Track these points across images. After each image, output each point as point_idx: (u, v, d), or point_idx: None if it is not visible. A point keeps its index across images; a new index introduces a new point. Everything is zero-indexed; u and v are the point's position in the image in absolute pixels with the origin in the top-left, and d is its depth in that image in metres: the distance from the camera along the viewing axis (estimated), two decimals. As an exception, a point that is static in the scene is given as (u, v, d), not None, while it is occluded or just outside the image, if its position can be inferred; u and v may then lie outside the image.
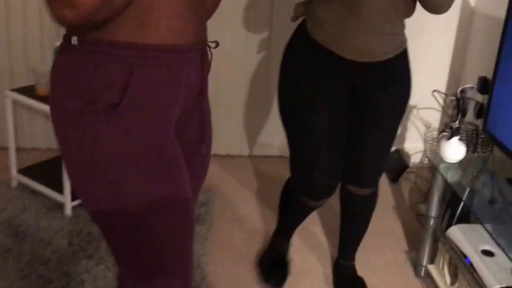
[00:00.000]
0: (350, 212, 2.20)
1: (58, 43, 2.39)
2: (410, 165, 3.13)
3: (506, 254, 1.89)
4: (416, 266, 2.40)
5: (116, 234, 1.28)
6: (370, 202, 2.17)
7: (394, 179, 3.07)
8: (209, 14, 1.36)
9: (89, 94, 1.17)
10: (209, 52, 1.33)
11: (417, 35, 2.04)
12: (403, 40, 1.92)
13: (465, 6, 2.92)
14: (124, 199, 1.21)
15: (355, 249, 2.27)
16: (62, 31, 1.22)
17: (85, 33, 1.16)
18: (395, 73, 1.93)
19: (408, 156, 3.17)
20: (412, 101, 2.10)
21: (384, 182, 3.00)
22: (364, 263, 2.37)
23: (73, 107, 1.18)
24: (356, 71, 1.86)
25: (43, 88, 2.58)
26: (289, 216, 2.29)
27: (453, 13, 2.89)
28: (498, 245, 1.93)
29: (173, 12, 1.18)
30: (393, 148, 3.15)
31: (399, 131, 3.02)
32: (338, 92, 1.90)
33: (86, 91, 1.17)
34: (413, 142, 3.17)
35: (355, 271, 2.29)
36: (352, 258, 2.29)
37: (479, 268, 1.93)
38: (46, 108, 2.44)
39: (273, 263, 2.34)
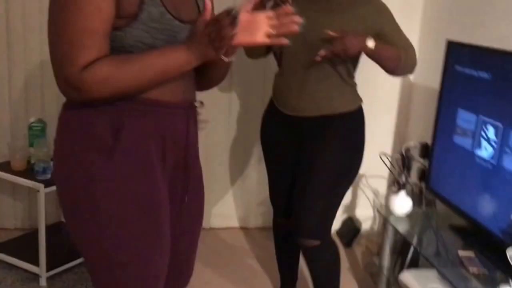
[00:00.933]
0: (309, 268, 2.41)
1: (32, 119, 2.59)
2: (362, 230, 3.35)
3: None
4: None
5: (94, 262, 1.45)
6: (319, 255, 2.34)
7: (348, 243, 3.27)
8: (210, 83, 1.65)
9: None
10: (197, 111, 1.57)
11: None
12: (340, 105, 2.26)
13: (405, 79, 3.26)
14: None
15: None
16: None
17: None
18: (331, 133, 2.26)
19: (359, 222, 3.39)
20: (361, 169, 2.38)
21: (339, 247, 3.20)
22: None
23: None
24: (298, 125, 2.29)
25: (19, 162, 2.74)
26: (282, 255, 2.60)
27: (395, 85, 3.25)
28: (445, 283, 2.14)
29: None
30: (345, 215, 3.41)
31: (349, 198, 3.29)
32: (284, 143, 2.36)
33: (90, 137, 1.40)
34: (363, 209, 3.40)
35: None
36: None
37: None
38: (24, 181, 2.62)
39: None
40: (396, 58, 2.19)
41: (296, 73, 2.24)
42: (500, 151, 2.14)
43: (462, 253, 2.14)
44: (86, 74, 1.28)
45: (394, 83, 3.20)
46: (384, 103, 3.25)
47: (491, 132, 2.20)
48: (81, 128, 1.40)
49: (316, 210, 2.26)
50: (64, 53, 1.29)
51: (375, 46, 2.12)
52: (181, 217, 1.57)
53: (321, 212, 2.27)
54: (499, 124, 2.15)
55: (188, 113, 1.51)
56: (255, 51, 2.32)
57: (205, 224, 3.36)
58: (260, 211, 3.40)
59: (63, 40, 1.29)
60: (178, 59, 1.36)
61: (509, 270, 1.90)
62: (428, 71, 2.96)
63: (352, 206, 3.39)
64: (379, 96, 3.17)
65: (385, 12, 2.23)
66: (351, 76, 2.30)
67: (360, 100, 2.34)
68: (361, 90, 2.36)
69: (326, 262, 2.38)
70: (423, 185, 2.66)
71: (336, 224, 3.41)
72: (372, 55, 2.15)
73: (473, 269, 2.01)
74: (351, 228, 3.31)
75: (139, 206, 1.41)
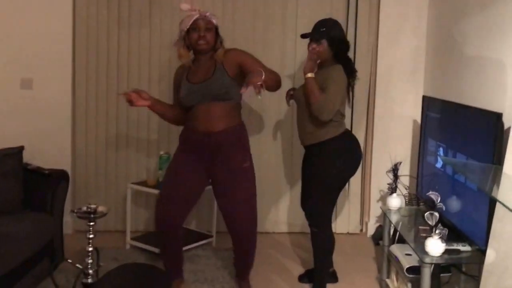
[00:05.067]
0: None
1: (161, 152, 4.11)
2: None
3: (417, 254, 3.27)
4: (380, 282, 3.80)
5: None
6: (315, 238, 3.52)
7: (377, 243, 4.51)
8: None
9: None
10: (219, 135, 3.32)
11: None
12: (322, 135, 3.42)
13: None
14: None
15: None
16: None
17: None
18: (317, 156, 3.47)
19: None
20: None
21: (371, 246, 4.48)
22: (350, 281, 3.81)
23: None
24: (306, 151, 3.65)
25: (151, 180, 4.31)
26: None
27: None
28: (413, 250, 3.34)
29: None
30: (377, 224, 4.63)
31: (379, 211, 4.54)
32: (303, 162, 3.58)
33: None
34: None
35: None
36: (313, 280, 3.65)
37: (402, 260, 3.36)
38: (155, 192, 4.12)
39: None
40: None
41: (297, 114, 3.54)
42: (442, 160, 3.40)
43: (422, 227, 3.36)
44: None
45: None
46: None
47: (441, 151, 3.46)
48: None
49: (314, 210, 3.53)
50: None
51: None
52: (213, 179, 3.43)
53: (318, 211, 3.51)
54: (444, 145, 3.42)
55: (210, 136, 3.30)
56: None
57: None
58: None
59: None
60: None
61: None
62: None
63: (382, 216, 4.63)
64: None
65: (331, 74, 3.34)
66: (323, 122, 3.34)
67: (342, 128, 3.45)
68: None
69: (318, 244, 3.56)
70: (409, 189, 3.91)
71: (371, 230, 4.68)
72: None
73: (423, 234, 3.23)
74: (379, 231, 4.55)
75: (170, 165, 3.45)
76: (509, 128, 2.76)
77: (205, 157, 3.35)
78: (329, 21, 3.51)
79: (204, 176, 3.42)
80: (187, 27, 3.27)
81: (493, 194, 2.46)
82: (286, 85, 4.36)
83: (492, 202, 2.72)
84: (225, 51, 3.33)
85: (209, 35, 3.28)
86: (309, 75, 3.31)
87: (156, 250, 4.00)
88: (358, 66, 4.48)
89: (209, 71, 3.29)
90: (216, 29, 3.34)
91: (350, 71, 3.42)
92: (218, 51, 3.32)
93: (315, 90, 3.27)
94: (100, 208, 3.10)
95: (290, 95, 3.68)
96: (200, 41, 3.26)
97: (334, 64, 3.38)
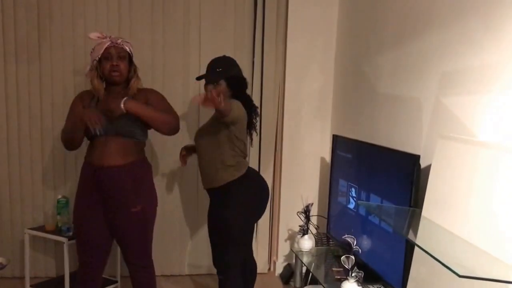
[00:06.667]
0: None
1: (59, 196, 3.82)
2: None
3: None
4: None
5: None
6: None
7: (286, 282, 4.45)
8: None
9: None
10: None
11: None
12: (221, 179, 3.25)
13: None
14: None
15: None
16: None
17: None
18: (216, 199, 3.33)
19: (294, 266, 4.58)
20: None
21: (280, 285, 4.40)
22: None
23: None
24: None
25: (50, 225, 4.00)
26: None
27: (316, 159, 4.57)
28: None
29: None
30: (285, 263, 4.59)
31: (287, 249, 4.48)
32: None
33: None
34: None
35: None
36: None
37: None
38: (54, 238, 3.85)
39: None
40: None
41: (198, 156, 3.35)
42: (357, 203, 3.41)
43: (335, 269, 3.34)
44: None
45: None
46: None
47: (353, 191, 3.47)
48: None
49: (219, 258, 3.42)
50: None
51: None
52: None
53: (224, 260, 3.31)
54: (357, 186, 3.43)
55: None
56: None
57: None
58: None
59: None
60: None
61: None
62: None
63: (290, 255, 4.59)
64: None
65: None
66: (230, 158, 3.21)
67: (244, 168, 3.25)
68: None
69: None
70: (319, 230, 3.89)
71: (279, 269, 4.62)
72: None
73: (337, 277, 3.21)
74: (288, 270, 4.50)
75: (74, 213, 3.28)
76: (425, 168, 2.79)
77: (99, 197, 3.15)
78: (225, 60, 3.38)
79: (104, 222, 3.21)
80: (99, 56, 3.10)
81: (411, 237, 2.46)
82: (192, 119, 4.25)
83: (409, 244, 2.74)
84: (141, 89, 3.21)
85: (123, 64, 3.13)
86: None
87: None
88: (265, 103, 4.48)
89: None
90: (130, 56, 3.20)
91: (250, 108, 3.32)
92: (132, 82, 3.18)
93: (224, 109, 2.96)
94: (-1, 259, 2.88)
95: (183, 155, 3.56)
96: (113, 73, 3.11)
97: (233, 100, 3.25)
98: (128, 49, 3.17)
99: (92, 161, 3.15)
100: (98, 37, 3.13)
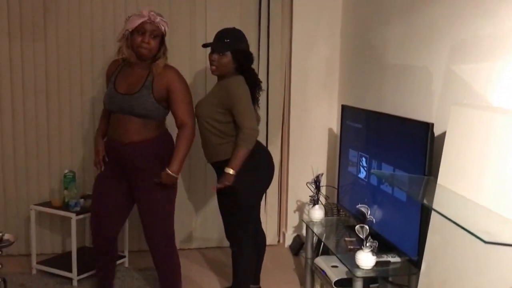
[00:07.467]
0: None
1: (66, 171, 3.78)
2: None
3: (347, 268, 3.23)
4: (303, 295, 3.73)
5: None
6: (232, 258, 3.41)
7: (296, 254, 4.45)
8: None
9: None
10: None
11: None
12: (220, 154, 3.27)
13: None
14: None
15: None
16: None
17: None
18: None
19: (304, 237, 4.58)
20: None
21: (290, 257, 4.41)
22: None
23: None
24: None
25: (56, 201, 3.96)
26: None
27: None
28: (342, 263, 3.29)
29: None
30: (295, 234, 4.58)
31: (296, 220, 4.49)
32: None
33: None
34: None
35: None
36: None
37: (329, 274, 3.29)
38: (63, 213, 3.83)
39: None
40: (244, 154, 3.10)
41: (200, 130, 3.30)
42: (368, 173, 3.38)
43: (347, 239, 3.33)
44: None
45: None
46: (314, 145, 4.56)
47: (364, 161, 3.44)
48: None
49: (229, 230, 3.44)
50: None
51: (233, 170, 3.08)
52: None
53: (233, 231, 3.38)
54: (368, 156, 3.40)
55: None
56: None
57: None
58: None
59: None
60: None
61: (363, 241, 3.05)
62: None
63: (299, 226, 4.58)
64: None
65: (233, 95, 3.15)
66: (227, 135, 3.20)
67: None
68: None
69: (236, 263, 3.40)
70: (329, 200, 3.88)
71: (289, 240, 4.62)
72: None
73: (351, 247, 3.19)
74: (297, 242, 4.49)
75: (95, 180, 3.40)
76: (438, 137, 2.76)
77: (123, 169, 3.24)
78: (234, 32, 3.31)
79: (126, 190, 3.29)
80: (133, 28, 3.06)
81: (428, 204, 2.44)
82: (198, 93, 4.22)
83: (424, 212, 2.72)
84: (165, 67, 3.17)
85: (154, 42, 3.09)
86: (231, 172, 3.13)
87: (65, 273, 3.84)
88: (271, 76, 4.43)
89: (137, 84, 3.12)
90: (162, 37, 3.15)
91: (254, 84, 3.28)
92: (158, 61, 3.15)
93: (240, 157, 3.12)
94: (7, 236, 2.89)
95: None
96: (142, 48, 3.08)
97: (236, 75, 3.23)
98: (163, 29, 3.13)
99: (113, 135, 3.22)
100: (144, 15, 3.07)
